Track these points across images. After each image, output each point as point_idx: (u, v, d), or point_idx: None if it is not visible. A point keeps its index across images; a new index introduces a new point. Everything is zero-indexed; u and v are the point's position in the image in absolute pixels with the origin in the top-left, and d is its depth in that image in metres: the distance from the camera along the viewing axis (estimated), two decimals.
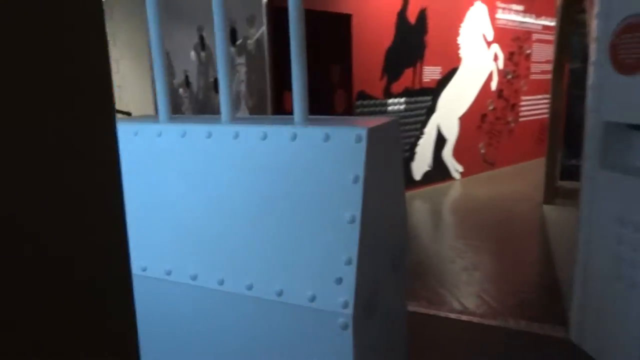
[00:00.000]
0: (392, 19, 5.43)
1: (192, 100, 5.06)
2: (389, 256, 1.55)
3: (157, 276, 1.44)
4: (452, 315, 2.72)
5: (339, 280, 1.24)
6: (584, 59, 4.87)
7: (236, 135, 1.44)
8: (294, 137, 1.37)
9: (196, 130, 1.50)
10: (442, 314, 2.74)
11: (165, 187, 1.49)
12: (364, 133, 1.29)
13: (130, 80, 8.22)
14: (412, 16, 5.60)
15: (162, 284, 1.43)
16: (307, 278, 1.27)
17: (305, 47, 1.49)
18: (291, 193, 1.33)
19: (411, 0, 5.52)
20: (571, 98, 5.19)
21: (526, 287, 3.18)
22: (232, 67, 4.60)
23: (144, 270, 1.46)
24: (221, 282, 1.35)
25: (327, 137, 1.33)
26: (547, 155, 5.21)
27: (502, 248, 4.04)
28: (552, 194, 5.19)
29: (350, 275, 1.23)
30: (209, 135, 1.48)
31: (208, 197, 1.42)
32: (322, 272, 1.25)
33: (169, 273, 1.42)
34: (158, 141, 1.55)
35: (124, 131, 1.61)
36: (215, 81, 4.70)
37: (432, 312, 2.75)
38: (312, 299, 1.25)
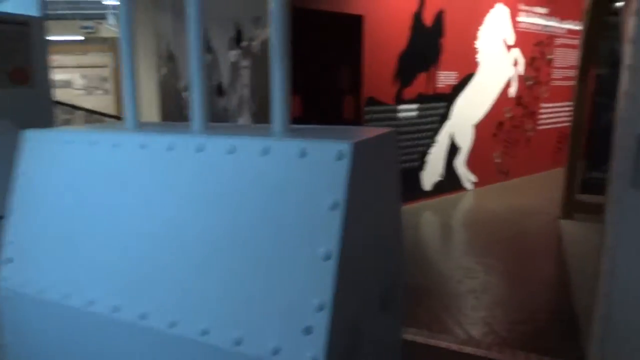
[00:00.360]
0: (407, 21, 5.19)
1: None
2: (376, 294, 1.32)
3: (104, 312, 1.24)
4: (454, 347, 2.45)
5: (308, 330, 1.02)
6: (613, 63, 4.56)
7: (200, 148, 1.23)
8: (266, 152, 1.15)
9: (156, 141, 1.29)
10: (443, 344, 2.47)
11: (118, 209, 1.29)
12: (346, 148, 1.06)
13: (144, 86, 8.12)
14: (428, 18, 5.34)
15: (108, 322, 1.23)
16: (271, 325, 1.05)
17: (288, 46, 1.29)
18: (257, 221, 1.11)
19: (428, 1, 5.26)
20: (596, 106, 4.88)
21: (539, 314, 2.91)
22: (235, 70, 4.41)
23: (91, 304, 1.26)
24: (173, 325, 1.14)
25: (303, 153, 1.11)
26: (566, 166, 4.89)
27: (514, 268, 3.75)
28: (570, 208, 4.88)
29: (321, 323, 1.01)
30: (171, 148, 1.27)
31: (163, 222, 1.21)
32: (288, 319, 1.03)
33: (116, 310, 1.22)
34: (115, 153, 1.35)
35: (80, 140, 1.41)
36: (219, 85, 4.51)
37: (431, 342, 2.49)
38: (275, 351, 1.03)
